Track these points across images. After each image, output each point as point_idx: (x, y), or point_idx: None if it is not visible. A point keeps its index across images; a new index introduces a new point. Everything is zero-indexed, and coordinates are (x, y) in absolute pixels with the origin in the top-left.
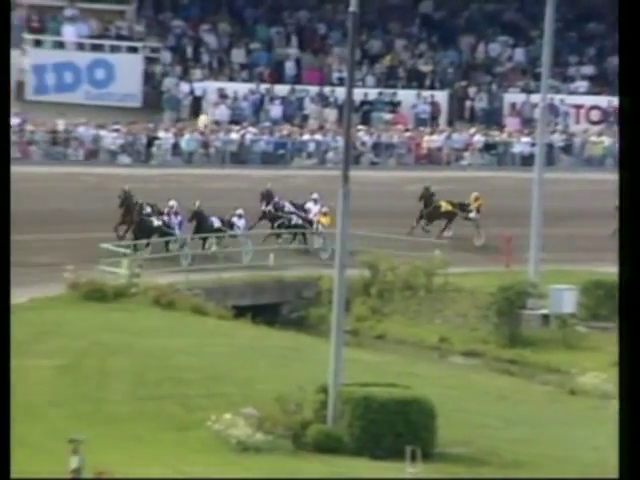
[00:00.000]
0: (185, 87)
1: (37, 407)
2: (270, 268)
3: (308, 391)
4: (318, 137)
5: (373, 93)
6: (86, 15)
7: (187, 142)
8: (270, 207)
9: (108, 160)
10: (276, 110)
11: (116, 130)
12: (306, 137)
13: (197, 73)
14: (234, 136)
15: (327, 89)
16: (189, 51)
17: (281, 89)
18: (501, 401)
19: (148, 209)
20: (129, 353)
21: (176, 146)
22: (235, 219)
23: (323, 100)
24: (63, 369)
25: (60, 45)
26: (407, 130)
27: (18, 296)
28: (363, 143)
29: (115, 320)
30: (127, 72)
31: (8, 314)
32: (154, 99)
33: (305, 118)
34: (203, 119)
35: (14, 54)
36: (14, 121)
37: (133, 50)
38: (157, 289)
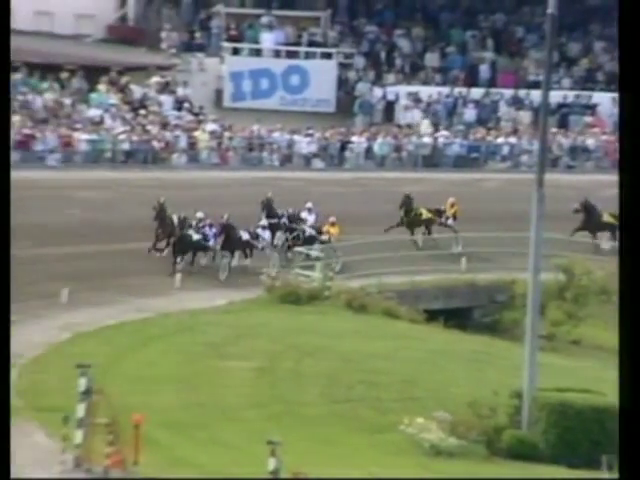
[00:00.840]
0: (378, 92)
1: (235, 408)
2: (462, 272)
3: (502, 396)
4: (512, 140)
5: (570, 96)
6: (282, 22)
7: (380, 146)
8: (285, 219)
9: (302, 165)
10: (470, 113)
11: (310, 135)
12: (500, 140)
13: (390, 78)
14: (427, 140)
15: (522, 92)
16: (382, 56)
17: (475, 92)
18: None
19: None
20: (323, 356)
21: (369, 150)
22: (260, 230)
23: (517, 103)
24: (260, 371)
25: (257, 52)
26: (604, 133)
27: (217, 299)
28: (560, 146)
29: (309, 323)
30: (321, 78)
31: (8, 313)
32: (347, 104)
33: (499, 121)
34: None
35: (213, 62)
36: (213, 127)
37: (327, 56)
38: (349, 292)
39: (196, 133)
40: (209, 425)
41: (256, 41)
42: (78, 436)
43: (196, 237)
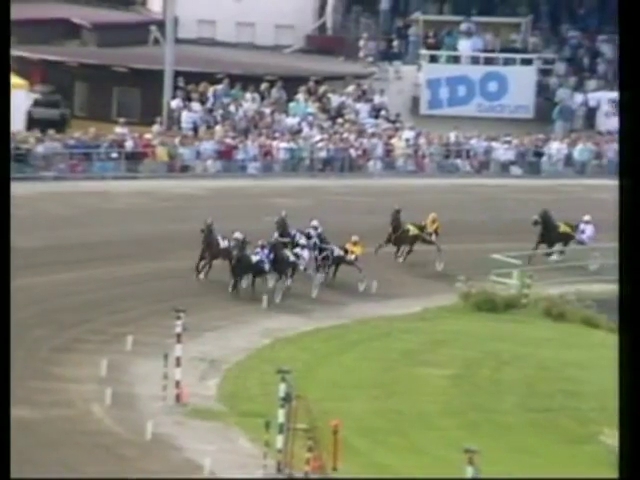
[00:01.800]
0: (579, 98)
1: (431, 416)
2: None
3: None
4: None
5: None
6: (482, 29)
7: (580, 152)
8: (315, 238)
9: (499, 172)
10: None
11: (507, 142)
12: None
13: (592, 84)
14: None
15: None
16: (585, 62)
17: None
18: None
19: (225, 242)
20: (520, 364)
21: (569, 157)
22: (299, 250)
23: None
24: (456, 379)
25: (454, 59)
26: None
27: (412, 306)
28: None
29: (506, 330)
30: (520, 84)
31: (8, 313)
32: (546, 110)
33: None
34: None
35: (410, 70)
36: (409, 134)
37: (527, 62)
38: (548, 300)
39: (393, 140)
40: (406, 432)
41: (454, 48)
42: (279, 441)
43: (255, 258)
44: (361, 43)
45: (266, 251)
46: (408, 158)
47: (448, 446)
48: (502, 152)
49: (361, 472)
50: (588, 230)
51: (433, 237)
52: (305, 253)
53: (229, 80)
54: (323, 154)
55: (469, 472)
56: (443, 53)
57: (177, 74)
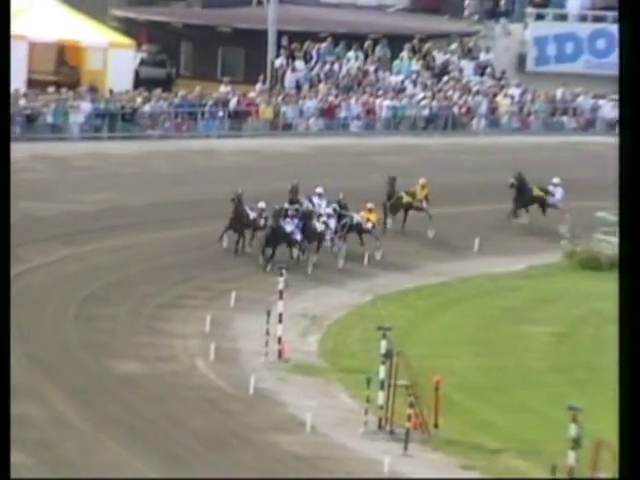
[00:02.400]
0: None
1: (536, 373)
2: None
3: None
4: None
5: None
6: None
7: None
8: (335, 205)
9: (605, 130)
10: None
11: (614, 100)
12: None
13: None
14: None
15: None
16: None
17: None
18: None
19: (254, 214)
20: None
21: None
22: (325, 219)
23: None
24: (560, 336)
25: (562, 17)
26: None
27: (516, 263)
28: None
29: (610, 289)
30: None
31: (8, 309)
32: None
33: None
34: None
35: (516, 28)
36: (515, 92)
37: None
38: None
39: (497, 98)
40: (509, 389)
41: (561, 6)
42: (380, 397)
43: (289, 229)
44: (466, 2)
45: (296, 221)
46: (513, 116)
47: (552, 403)
48: (609, 110)
49: (463, 429)
50: (558, 193)
51: (424, 204)
52: (332, 223)
53: (332, 39)
54: (426, 112)
55: (572, 430)
56: (550, 11)
57: (280, 34)
